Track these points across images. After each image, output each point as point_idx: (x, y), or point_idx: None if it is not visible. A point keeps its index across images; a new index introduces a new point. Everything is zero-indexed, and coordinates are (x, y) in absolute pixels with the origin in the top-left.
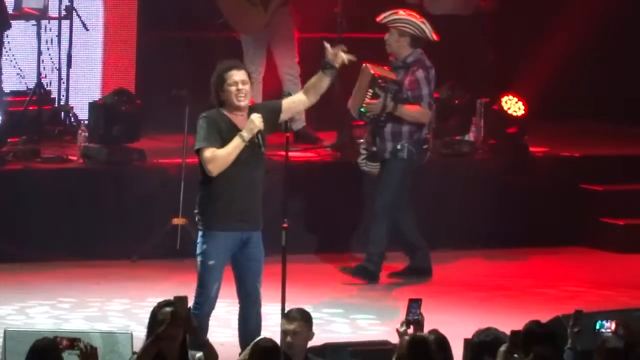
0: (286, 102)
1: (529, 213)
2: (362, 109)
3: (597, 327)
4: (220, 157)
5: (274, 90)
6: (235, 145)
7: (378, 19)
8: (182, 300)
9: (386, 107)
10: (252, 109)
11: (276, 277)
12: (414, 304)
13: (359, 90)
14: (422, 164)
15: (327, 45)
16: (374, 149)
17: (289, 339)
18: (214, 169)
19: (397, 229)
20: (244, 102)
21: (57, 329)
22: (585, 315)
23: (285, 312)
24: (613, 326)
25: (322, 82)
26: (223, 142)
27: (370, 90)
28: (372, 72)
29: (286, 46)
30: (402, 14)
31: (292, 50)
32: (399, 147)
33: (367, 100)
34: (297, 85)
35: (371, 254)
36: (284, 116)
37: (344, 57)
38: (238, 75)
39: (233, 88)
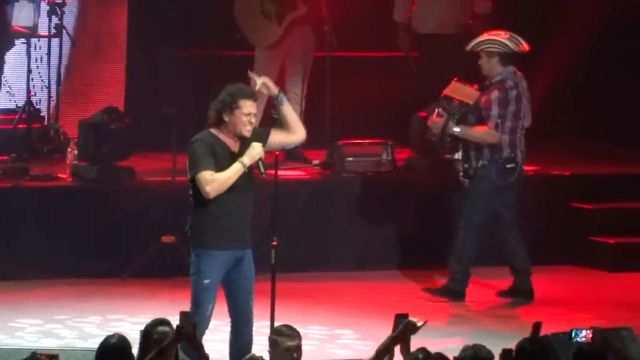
0: (275, 138)
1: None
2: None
3: (573, 336)
4: (219, 180)
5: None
6: (235, 171)
7: (467, 48)
8: (187, 315)
9: (447, 128)
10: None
11: (265, 294)
12: (401, 319)
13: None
14: (511, 183)
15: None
16: (466, 165)
17: (295, 355)
18: (212, 191)
19: (501, 247)
20: (249, 134)
21: (39, 347)
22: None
23: (277, 329)
24: (589, 335)
25: (284, 115)
26: (217, 166)
27: (436, 110)
28: (445, 91)
29: (299, 65)
30: (486, 36)
31: (304, 70)
32: (479, 165)
33: (432, 117)
34: (299, 105)
35: (455, 272)
36: (272, 147)
37: (257, 82)
38: (253, 107)
39: (245, 119)
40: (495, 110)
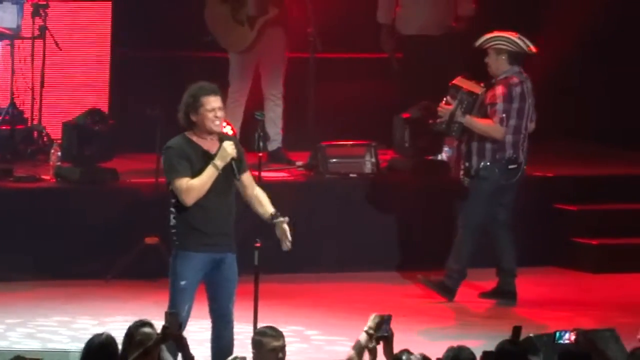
0: (242, 180)
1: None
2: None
3: (557, 337)
4: (195, 187)
5: (254, 109)
6: (209, 175)
7: (476, 44)
8: (172, 315)
9: (455, 116)
10: (226, 139)
11: (248, 296)
12: (383, 320)
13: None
14: (512, 183)
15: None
16: (467, 164)
17: (280, 355)
18: (189, 200)
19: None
20: (219, 128)
21: (23, 349)
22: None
23: (261, 331)
24: (573, 337)
25: (261, 212)
26: (193, 170)
27: (446, 98)
28: (452, 81)
29: (274, 67)
30: (495, 33)
31: (279, 71)
32: (481, 165)
33: (441, 105)
34: (279, 106)
35: (451, 270)
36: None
37: (287, 239)
38: (216, 101)
39: (211, 115)
40: (500, 105)
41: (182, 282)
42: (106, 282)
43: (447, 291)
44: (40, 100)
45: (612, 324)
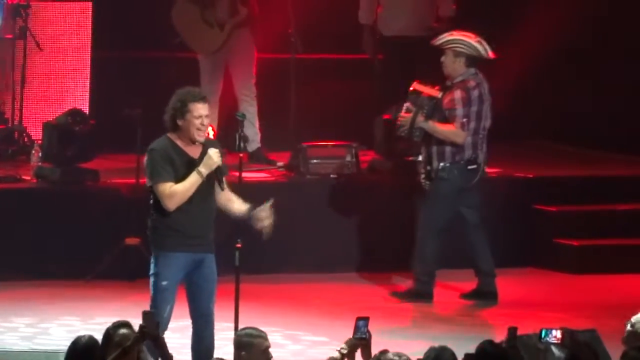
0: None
1: (485, 233)
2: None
3: (543, 335)
4: (178, 193)
5: (229, 111)
6: (192, 182)
7: (433, 42)
8: (149, 315)
9: (415, 122)
10: (210, 143)
11: (229, 296)
12: (361, 322)
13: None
14: (472, 185)
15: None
16: (428, 168)
17: (270, 356)
18: (171, 205)
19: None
20: (203, 137)
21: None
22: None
23: (248, 332)
24: (559, 335)
25: (236, 208)
26: (177, 176)
27: (406, 105)
28: (410, 87)
29: (244, 67)
30: (456, 34)
31: (249, 71)
32: (440, 167)
33: (401, 113)
34: (253, 106)
35: (418, 274)
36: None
37: (265, 227)
38: (204, 109)
39: (197, 122)
40: (460, 110)
41: (164, 283)
42: (86, 282)
43: (422, 295)
44: (21, 101)
45: (594, 325)
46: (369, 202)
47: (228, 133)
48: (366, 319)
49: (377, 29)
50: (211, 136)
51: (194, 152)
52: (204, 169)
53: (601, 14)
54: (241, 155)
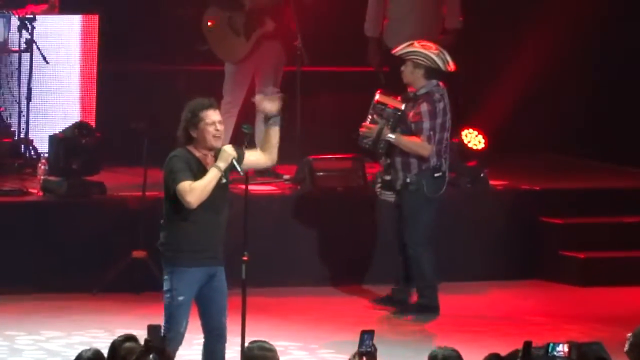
0: (247, 159)
1: (489, 246)
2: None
3: (550, 350)
4: (198, 187)
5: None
6: (212, 176)
7: (393, 51)
8: (155, 328)
9: (382, 134)
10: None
11: (236, 309)
12: (366, 336)
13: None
14: (439, 195)
15: (256, 99)
16: (388, 178)
17: None
18: (194, 200)
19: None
20: (220, 142)
21: None
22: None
23: (261, 346)
24: (566, 349)
25: (270, 136)
26: (194, 180)
27: (370, 116)
28: (375, 98)
29: (268, 80)
30: (417, 46)
31: (273, 83)
32: (408, 179)
33: (365, 124)
34: None
35: (420, 289)
36: (243, 168)
37: (265, 107)
38: (215, 115)
39: (211, 128)
40: (426, 124)
41: (180, 298)
42: (93, 295)
43: (429, 309)
44: (28, 114)
45: (599, 337)
46: (375, 214)
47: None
48: (371, 332)
49: (383, 41)
50: (226, 146)
51: (210, 162)
52: (221, 163)
53: (607, 26)
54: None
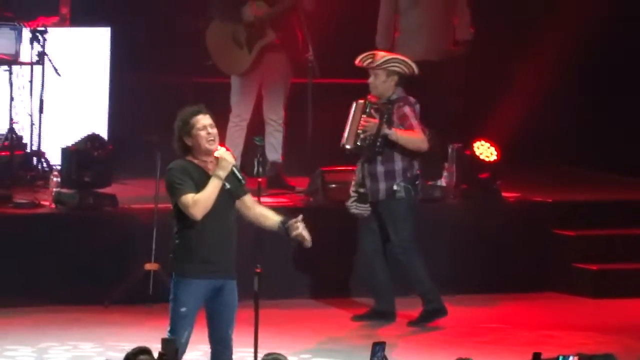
0: (244, 202)
1: (501, 258)
2: (358, 132)
3: None
4: (201, 199)
5: (256, 134)
6: (214, 186)
7: (359, 63)
8: (169, 342)
9: (382, 128)
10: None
11: (248, 322)
12: (378, 347)
13: (352, 123)
14: (416, 202)
15: (297, 227)
16: (363, 190)
17: None
18: (198, 212)
19: (370, 270)
20: (215, 145)
21: None
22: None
23: (272, 356)
24: None
25: (269, 225)
26: (197, 189)
27: (364, 116)
28: (364, 99)
29: (276, 91)
30: (388, 54)
31: (279, 96)
32: (395, 187)
33: (362, 122)
34: (280, 131)
35: (423, 295)
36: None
37: (305, 236)
38: (205, 119)
39: (203, 132)
40: (415, 121)
41: (183, 309)
42: (105, 307)
43: (437, 312)
44: (40, 126)
45: (612, 349)
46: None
47: (250, 158)
48: (383, 344)
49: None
50: (224, 153)
51: (211, 168)
52: (220, 172)
53: (619, 36)
54: (260, 180)
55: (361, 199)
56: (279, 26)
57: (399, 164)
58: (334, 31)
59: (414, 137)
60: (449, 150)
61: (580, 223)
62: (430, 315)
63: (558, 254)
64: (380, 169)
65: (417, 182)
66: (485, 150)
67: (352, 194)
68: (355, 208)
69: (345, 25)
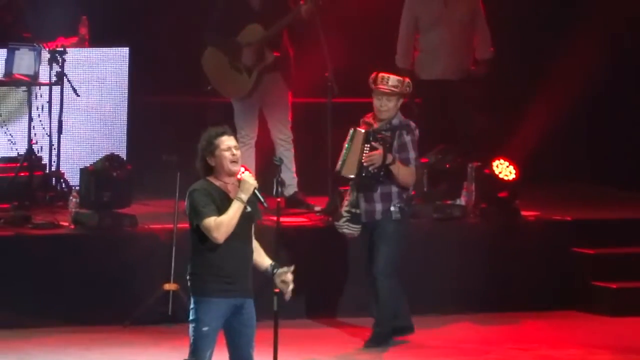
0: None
1: (520, 277)
2: (363, 164)
3: None
4: (224, 223)
5: (266, 156)
6: (236, 209)
7: (402, 91)
8: None
9: (387, 158)
10: None
11: (268, 342)
12: None
13: (352, 152)
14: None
15: (287, 275)
16: (357, 211)
17: None
18: (220, 236)
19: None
20: (238, 167)
21: None
22: None
23: None
24: None
25: (260, 263)
26: (218, 212)
27: (367, 145)
28: (365, 129)
29: (278, 112)
30: (399, 77)
31: (283, 115)
32: (392, 208)
33: (366, 153)
34: (290, 150)
35: (380, 319)
36: None
37: (289, 290)
38: (230, 140)
39: (227, 153)
40: (412, 154)
41: (205, 329)
42: (125, 328)
43: (386, 337)
44: (58, 147)
45: None
46: (407, 246)
47: (266, 178)
48: None
49: (414, 73)
50: (246, 175)
51: (232, 190)
52: (243, 195)
53: (636, 55)
54: (279, 200)
55: (354, 219)
56: (275, 46)
57: (394, 186)
58: (354, 50)
59: (409, 174)
60: (468, 169)
61: (599, 241)
62: (379, 340)
63: (577, 273)
64: (377, 190)
65: (412, 203)
66: (504, 169)
67: (345, 214)
68: (347, 228)
69: (365, 45)
